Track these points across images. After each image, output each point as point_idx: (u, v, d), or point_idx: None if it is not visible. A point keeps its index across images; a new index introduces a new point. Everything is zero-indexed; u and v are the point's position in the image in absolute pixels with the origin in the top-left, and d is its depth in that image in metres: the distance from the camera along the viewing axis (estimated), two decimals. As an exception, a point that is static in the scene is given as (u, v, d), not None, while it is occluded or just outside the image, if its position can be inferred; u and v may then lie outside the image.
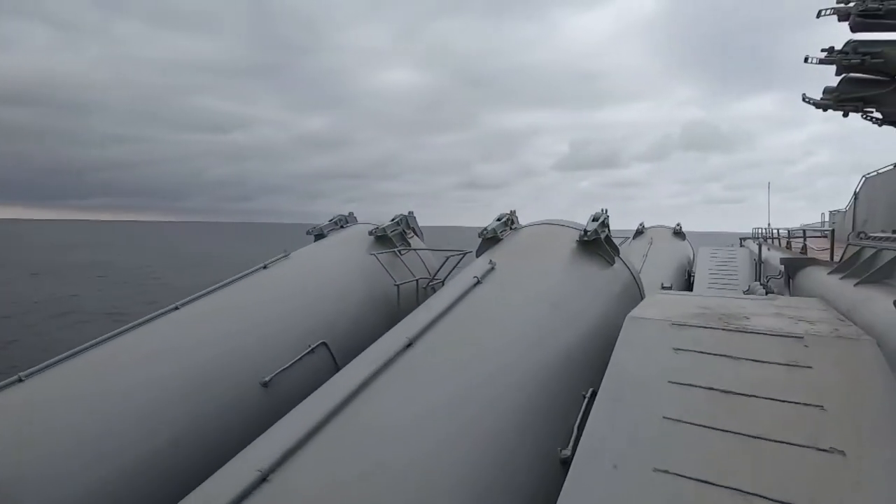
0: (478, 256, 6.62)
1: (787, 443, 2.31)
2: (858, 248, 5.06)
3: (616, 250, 6.33)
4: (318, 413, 3.31)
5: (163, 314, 5.47)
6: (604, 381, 3.15)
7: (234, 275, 6.64)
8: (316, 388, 4.14)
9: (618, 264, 6.21)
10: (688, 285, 14.58)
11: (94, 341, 5.05)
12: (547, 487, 3.06)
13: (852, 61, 7.77)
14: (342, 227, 8.54)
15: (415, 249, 7.92)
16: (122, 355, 4.93)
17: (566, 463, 3.19)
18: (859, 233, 5.49)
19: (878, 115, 8.47)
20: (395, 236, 7.75)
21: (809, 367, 2.83)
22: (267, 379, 5.07)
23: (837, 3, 7.99)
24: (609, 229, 6.55)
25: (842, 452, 2.22)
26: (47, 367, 4.65)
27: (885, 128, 10.24)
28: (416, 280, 7.12)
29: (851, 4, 7.79)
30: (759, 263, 10.96)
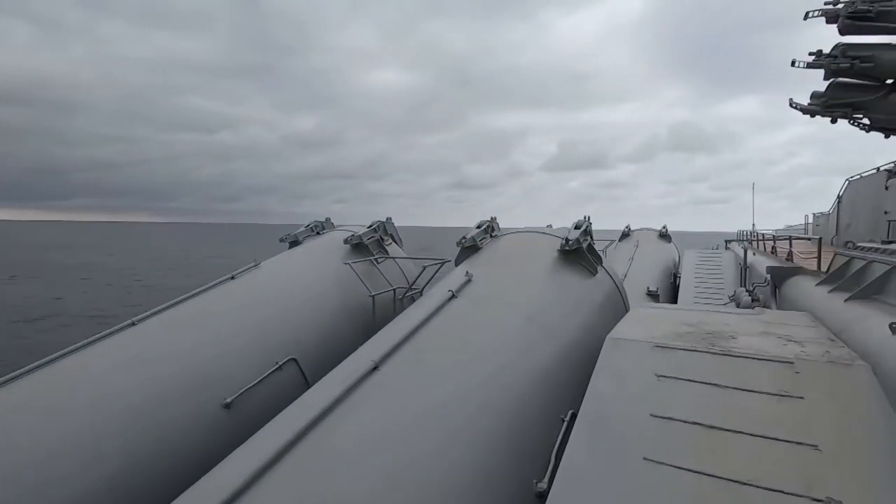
0: (456, 265, 6.38)
1: (780, 491, 2.08)
2: (847, 258, 4.88)
3: (599, 259, 6.12)
4: (283, 436, 3.08)
5: (118, 331, 5.13)
6: (581, 410, 2.91)
7: (218, 277, 6.37)
8: (284, 408, 3.89)
9: (600, 274, 6.00)
10: (674, 289, 14.48)
11: (41, 361, 4.71)
12: None
13: (841, 65, 7.51)
14: (318, 233, 8.23)
15: (393, 258, 7.64)
16: (70, 375, 4.60)
17: (542, 496, 2.96)
18: (846, 242, 5.33)
19: (865, 120, 8.26)
20: (371, 244, 7.46)
21: (801, 398, 2.61)
22: (229, 400, 4.76)
23: (825, 4, 7.72)
24: (592, 237, 6.34)
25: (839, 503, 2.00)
26: None
27: (868, 132, 10.12)
28: (394, 290, 6.84)
29: (840, 6, 7.54)
30: (744, 268, 10.85)
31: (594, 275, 5.86)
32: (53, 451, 3.88)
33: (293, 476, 2.88)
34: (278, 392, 5.18)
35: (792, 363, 2.91)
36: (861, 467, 2.17)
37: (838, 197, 15.06)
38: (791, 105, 8.46)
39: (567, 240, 5.73)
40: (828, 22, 7.59)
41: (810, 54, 8.02)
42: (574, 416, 3.97)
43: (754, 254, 11.29)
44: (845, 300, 4.00)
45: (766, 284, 7.14)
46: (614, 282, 6.22)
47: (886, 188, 10.81)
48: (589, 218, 6.52)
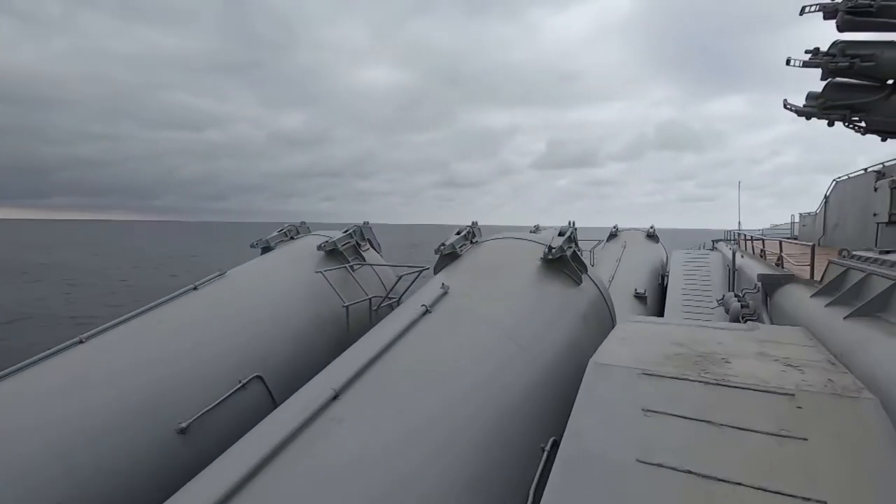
0: (435, 273, 6.06)
1: None
2: (843, 268, 4.63)
3: (584, 267, 5.82)
4: (246, 462, 2.81)
5: (63, 350, 4.72)
6: (562, 448, 2.60)
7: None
8: (247, 432, 3.55)
9: (585, 283, 5.71)
10: (661, 290, 14.31)
11: None
12: None
13: (840, 64, 7.09)
14: (292, 238, 7.84)
15: (369, 264, 7.28)
16: (5, 398, 4.20)
17: None
18: (841, 251, 5.07)
19: (862, 122, 7.92)
20: (347, 250, 7.09)
21: (804, 440, 2.31)
22: (184, 424, 4.38)
23: None
24: (577, 244, 6.04)
25: None
26: None
27: (851, 133, 9.86)
28: (370, 299, 6.48)
29: (839, 0, 7.04)
30: (732, 271, 10.66)
31: (579, 284, 5.56)
32: None
33: None
34: (241, 414, 4.81)
35: (793, 395, 2.63)
36: None
37: (825, 197, 14.98)
38: (785, 106, 8.11)
39: (550, 247, 5.43)
40: (825, 17, 7.18)
41: (807, 52, 7.57)
42: (555, 445, 3.67)
43: (742, 256, 11.10)
44: (845, 317, 3.74)
45: (756, 291, 6.90)
46: (600, 290, 5.93)
47: (875, 190, 10.67)
48: (574, 224, 6.23)
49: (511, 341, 4.19)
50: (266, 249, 7.59)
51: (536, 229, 21.20)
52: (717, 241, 22.23)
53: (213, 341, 5.15)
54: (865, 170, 12.46)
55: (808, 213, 17.74)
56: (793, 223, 22.75)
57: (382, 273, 7.40)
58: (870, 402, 2.51)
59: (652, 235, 17.71)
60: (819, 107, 7.57)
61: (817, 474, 2.12)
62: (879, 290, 3.62)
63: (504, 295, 4.88)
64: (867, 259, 4.43)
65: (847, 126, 7.88)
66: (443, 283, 4.79)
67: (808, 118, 7.74)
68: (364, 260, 7.31)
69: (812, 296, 4.82)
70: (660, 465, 2.28)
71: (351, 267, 6.85)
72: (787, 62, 7.37)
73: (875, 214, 10.68)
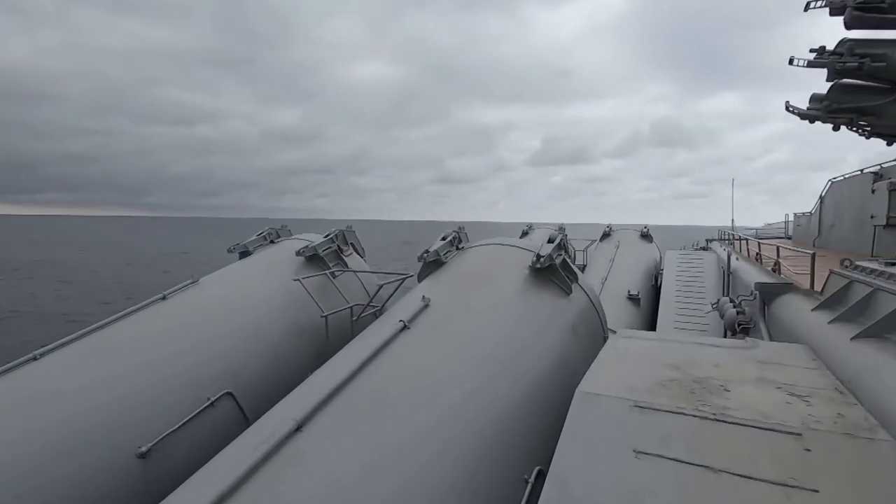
0: (419, 280, 5.78)
1: None
2: (847, 280, 4.37)
3: (574, 275, 5.55)
4: (210, 490, 2.56)
5: (15, 367, 4.39)
6: (544, 496, 2.32)
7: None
8: (216, 454, 3.26)
9: (576, 292, 5.44)
10: (655, 291, 14.09)
11: None
12: None
13: (848, 64, 6.43)
14: (272, 242, 7.52)
15: (352, 270, 6.97)
16: None
17: None
18: (843, 259, 4.83)
19: (867, 126, 7.50)
20: (328, 255, 6.78)
21: (815, 492, 2.05)
22: (145, 448, 4.07)
23: None
24: (567, 252, 5.77)
25: None
26: None
27: (845, 130, 9.52)
28: (351, 307, 6.18)
29: None
30: (727, 273, 10.43)
31: (568, 294, 5.29)
32: None
33: None
34: (210, 434, 4.51)
35: (800, 435, 2.36)
36: None
37: (820, 198, 14.78)
38: (787, 109, 7.73)
39: (539, 256, 5.15)
40: (832, 14, 6.50)
41: (811, 51, 6.91)
42: (540, 475, 3.41)
43: (737, 258, 10.87)
44: (852, 338, 3.49)
45: (753, 299, 6.65)
46: (591, 300, 5.66)
47: (873, 191, 10.46)
48: (564, 230, 5.97)
49: (494, 360, 3.91)
50: (245, 254, 7.26)
51: (529, 229, 20.96)
52: (711, 240, 22.05)
53: (179, 355, 4.84)
54: (862, 170, 12.26)
55: (803, 214, 17.57)
56: (787, 222, 22.60)
57: (366, 279, 7.10)
58: (887, 444, 2.25)
59: (646, 235, 17.51)
60: (824, 110, 7.03)
61: None
62: (889, 310, 3.37)
63: (488, 308, 4.60)
64: (872, 271, 4.17)
65: (851, 129, 7.41)
66: (423, 296, 4.50)
67: (811, 121, 7.28)
68: (346, 265, 7.01)
69: (813, 309, 4.56)
70: None
71: (332, 273, 6.54)
72: (791, 62, 6.79)
73: (872, 217, 10.48)
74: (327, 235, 6.97)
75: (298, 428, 3.00)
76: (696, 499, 2.10)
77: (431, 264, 5.68)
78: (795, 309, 5.07)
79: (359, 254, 7.60)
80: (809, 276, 5.52)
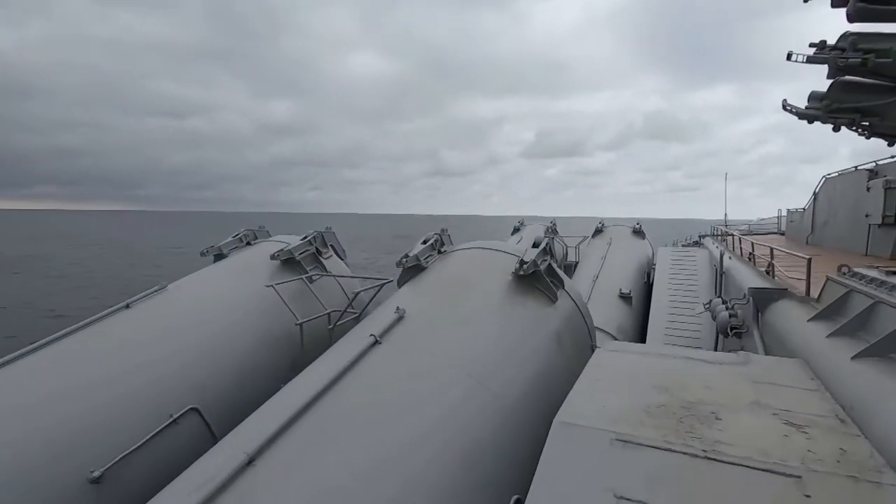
0: (399, 286, 5.51)
1: None
2: (846, 289, 4.14)
3: (560, 281, 5.30)
4: None
5: None
6: None
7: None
8: (177, 475, 2.99)
9: (562, 299, 5.18)
10: (647, 288, 13.91)
11: None
12: None
13: (850, 61, 6.00)
14: (249, 244, 7.21)
15: (330, 274, 6.68)
16: None
17: None
18: (841, 266, 4.59)
19: (868, 126, 7.12)
20: (305, 258, 6.48)
21: None
22: (97, 473, 3.77)
23: None
24: (553, 256, 5.51)
25: None
26: None
27: (869, 138, 9.13)
28: (328, 313, 5.90)
29: None
30: (719, 273, 10.23)
31: (554, 301, 5.04)
32: None
33: None
34: (172, 455, 4.23)
35: (800, 478, 2.12)
36: None
37: (814, 194, 14.60)
38: (784, 108, 7.39)
39: (522, 262, 4.89)
40: (833, 5, 6.09)
41: (811, 45, 6.43)
42: None
43: (730, 257, 10.67)
44: (853, 357, 3.26)
45: (746, 303, 6.43)
46: (578, 307, 5.41)
47: (868, 189, 10.27)
48: (551, 231, 5.71)
49: (470, 377, 3.65)
50: (220, 257, 6.95)
51: (521, 224, 20.72)
52: (704, 235, 21.89)
53: (140, 369, 4.54)
54: (856, 167, 12.07)
55: (797, 210, 17.40)
56: (780, 217, 22.48)
57: (346, 283, 6.81)
58: (895, 490, 2.01)
59: (638, 231, 17.30)
60: (824, 109, 6.59)
61: None
62: (893, 327, 3.13)
63: (467, 318, 4.34)
64: (872, 280, 3.94)
65: (852, 129, 7.02)
66: (397, 307, 4.23)
67: (810, 122, 6.89)
68: (325, 269, 6.72)
69: (810, 319, 4.33)
70: None
71: (309, 278, 6.25)
72: (789, 57, 6.40)
73: (867, 215, 10.29)
74: (305, 237, 6.67)
75: (250, 462, 2.73)
76: None
77: (411, 269, 5.41)
78: (791, 317, 4.84)
79: (339, 255, 7.31)
80: (805, 281, 5.28)
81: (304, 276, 6.17)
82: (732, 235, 14.55)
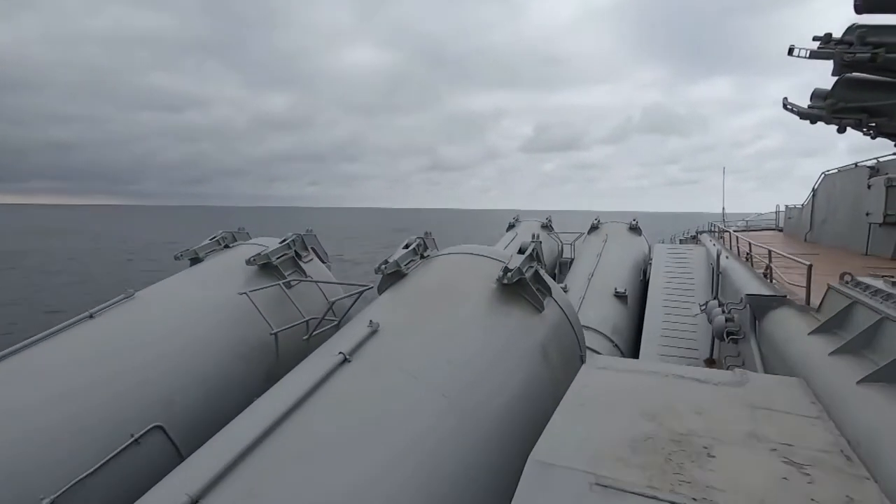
0: (380, 292, 5.25)
1: None
2: (849, 300, 3.88)
3: (548, 289, 5.03)
4: None
5: None
6: None
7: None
8: (138, 500, 2.75)
9: (549, 308, 4.92)
10: (643, 286, 13.69)
11: None
12: None
13: (858, 55, 5.25)
14: (227, 247, 6.92)
15: (309, 280, 6.40)
16: None
17: None
18: (843, 274, 4.34)
19: (875, 126, 6.67)
20: (283, 263, 6.20)
21: None
22: (48, 500, 3.51)
23: None
24: (541, 261, 5.24)
25: None
26: None
27: (875, 138, 8.74)
28: (307, 321, 5.64)
29: None
30: (716, 273, 9.99)
31: (541, 311, 4.77)
32: None
33: None
34: (132, 477, 3.98)
35: None
36: None
37: (813, 191, 14.34)
38: (785, 107, 7.02)
39: (507, 269, 4.62)
40: None
41: (815, 39, 5.80)
42: None
43: (727, 257, 10.42)
44: (858, 381, 3.01)
45: (742, 308, 6.19)
46: (566, 316, 5.14)
47: (869, 187, 10.00)
48: (538, 237, 5.43)
49: (444, 398, 3.39)
50: (196, 261, 6.66)
51: (516, 221, 20.41)
52: (701, 232, 21.64)
53: (99, 385, 4.27)
54: (856, 164, 11.80)
55: (795, 206, 17.14)
56: (778, 213, 22.24)
57: (329, 289, 6.53)
58: None
59: (634, 228, 17.05)
60: (829, 109, 6.11)
61: None
62: None
63: (446, 331, 4.08)
64: (876, 292, 3.68)
65: (857, 128, 6.58)
66: (370, 321, 3.96)
67: (813, 122, 6.46)
68: (305, 273, 6.44)
69: (811, 332, 4.07)
70: None
71: (287, 284, 5.97)
72: (790, 52, 5.94)
73: (868, 214, 10.03)
74: (283, 241, 6.39)
75: (196, 502, 2.47)
76: None
77: (391, 276, 5.15)
78: (790, 328, 4.59)
79: (321, 259, 7.03)
80: (805, 289, 5.03)
81: (280, 283, 5.89)
82: (729, 233, 14.31)
